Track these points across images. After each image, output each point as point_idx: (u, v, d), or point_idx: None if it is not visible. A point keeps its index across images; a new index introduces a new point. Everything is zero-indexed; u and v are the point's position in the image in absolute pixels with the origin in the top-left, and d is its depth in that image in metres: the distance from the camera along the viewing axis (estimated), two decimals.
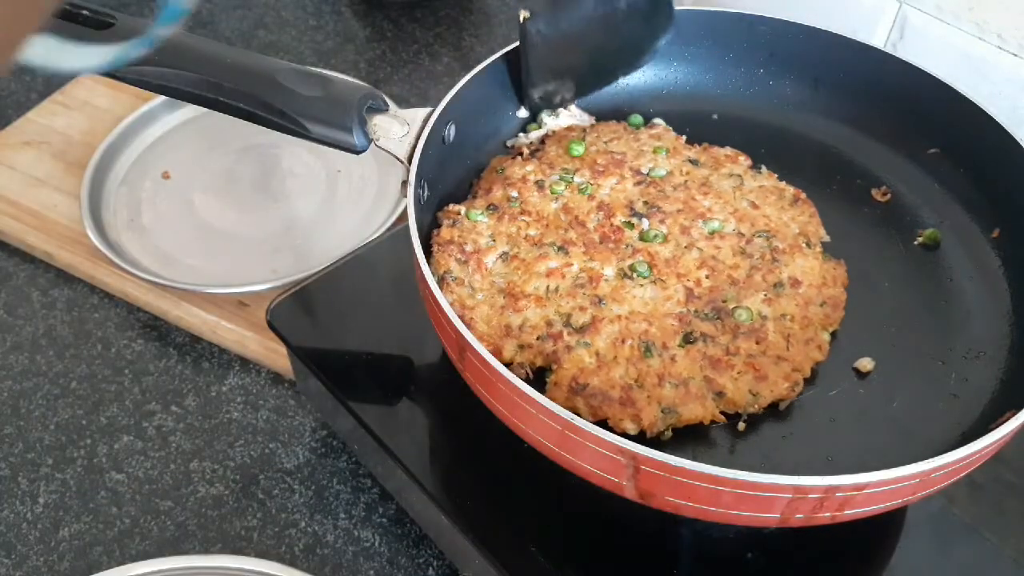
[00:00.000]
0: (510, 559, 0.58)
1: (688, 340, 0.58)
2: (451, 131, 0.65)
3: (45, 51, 0.33)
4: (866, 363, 0.60)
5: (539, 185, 0.66)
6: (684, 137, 0.73)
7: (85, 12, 0.62)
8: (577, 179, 0.66)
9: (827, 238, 0.66)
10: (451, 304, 0.55)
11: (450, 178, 0.68)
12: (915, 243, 0.68)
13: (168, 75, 0.62)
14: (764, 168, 0.71)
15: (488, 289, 0.60)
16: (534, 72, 0.69)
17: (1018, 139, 0.63)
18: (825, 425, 0.57)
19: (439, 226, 0.64)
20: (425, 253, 0.58)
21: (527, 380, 0.55)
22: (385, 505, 0.73)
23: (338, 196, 0.93)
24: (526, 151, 0.70)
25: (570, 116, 0.73)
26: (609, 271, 0.61)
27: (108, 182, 0.94)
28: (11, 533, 0.71)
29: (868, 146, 0.73)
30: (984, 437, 0.48)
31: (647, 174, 0.68)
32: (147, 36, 0.36)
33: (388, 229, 0.87)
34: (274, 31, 1.18)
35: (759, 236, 0.64)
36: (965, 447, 0.48)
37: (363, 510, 0.73)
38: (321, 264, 0.74)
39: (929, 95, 0.69)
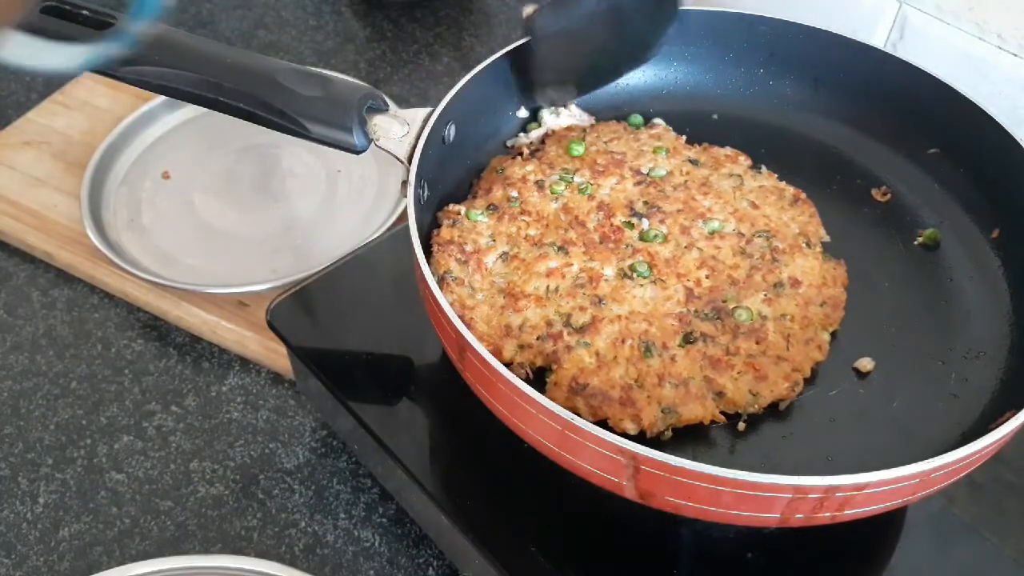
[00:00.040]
0: (510, 559, 0.58)
1: (688, 340, 0.58)
2: (451, 131, 0.65)
3: (23, 49, 0.33)
4: (866, 363, 0.60)
5: (539, 185, 0.66)
6: (684, 137, 0.73)
7: (85, 12, 0.62)
8: (577, 179, 0.66)
9: (827, 238, 0.66)
10: (451, 304, 0.55)
11: (450, 178, 0.68)
12: (915, 243, 0.68)
13: (168, 75, 0.62)
14: (764, 168, 0.71)
15: (488, 289, 0.60)
16: (540, 68, 0.69)
17: (1018, 139, 0.63)
18: (825, 425, 0.57)
19: (439, 226, 0.64)
20: (425, 253, 0.58)
21: (527, 380, 0.55)
22: (385, 505, 0.73)
23: (338, 196, 0.93)
24: (526, 151, 0.70)
25: (570, 116, 0.74)
26: (609, 271, 0.61)
27: (108, 182, 0.94)
28: (11, 533, 0.71)
29: (868, 146, 0.73)
30: (984, 437, 0.48)
31: (647, 174, 0.68)
32: (124, 34, 0.36)
33: (388, 229, 0.87)
34: (274, 31, 1.18)
35: (759, 236, 0.64)
36: (965, 447, 0.48)
37: (363, 510, 0.73)
38: (321, 264, 0.74)
39: (929, 95, 0.69)
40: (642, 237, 0.63)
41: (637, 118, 0.75)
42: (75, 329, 0.85)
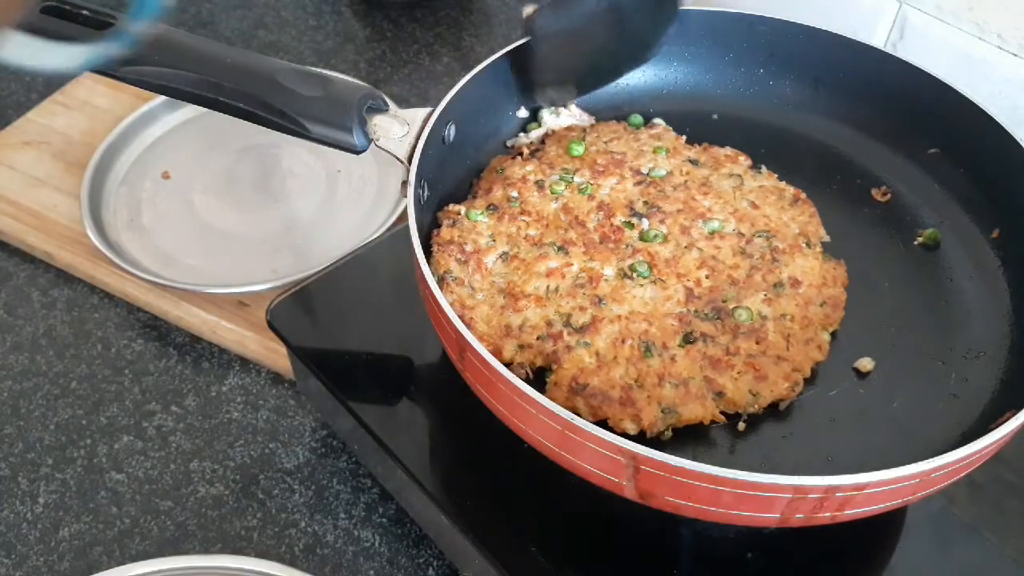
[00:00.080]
0: (510, 559, 0.58)
1: (688, 340, 0.58)
2: (451, 131, 0.65)
3: (23, 49, 0.33)
4: (866, 363, 0.60)
5: (539, 185, 0.66)
6: (684, 137, 0.73)
7: (85, 12, 0.62)
8: (577, 179, 0.67)
9: (827, 238, 0.66)
10: (451, 304, 0.55)
11: (450, 178, 0.68)
12: (915, 243, 0.68)
13: (168, 75, 0.62)
14: (764, 168, 0.71)
15: (488, 289, 0.60)
16: (540, 68, 0.69)
17: (1018, 139, 0.63)
18: (825, 425, 0.57)
19: (439, 226, 0.64)
20: (425, 253, 0.58)
21: (527, 380, 0.55)
22: (385, 505, 0.73)
23: (338, 196, 0.93)
24: (526, 151, 0.70)
25: (570, 116, 0.74)
26: (609, 271, 0.61)
27: (108, 182, 0.94)
28: (11, 533, 0.71)
29: (868, 146, 0.73)
30: (984, 437, 0.48)
31: (647, 174, 0.68)
32: (124, 34, 0.36)
33: (388, 229, 0.87)
34: (274, 31, 1.18)
35: (759, 236, 0.64)
36: (965, 447, 0.48)
37: (363, 510, 0.73)
38: (321, 264, 0.74)
39: (929, 95, 0.69)
40: (642, 237, 0.63)
41: (637, 118, 0.75)
42: (75, 329, 0.85)
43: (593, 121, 0.74)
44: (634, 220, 0.64)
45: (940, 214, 0.69)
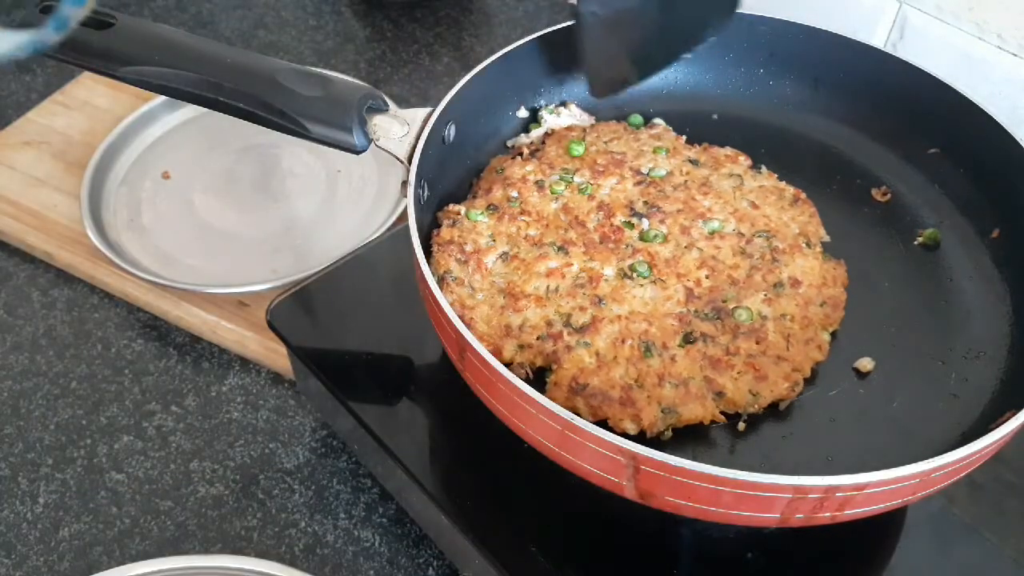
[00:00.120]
0: (510, 559, 0.58)
1: (688, 340, 0.58)
2: (451, 131, 0.65)
3: None
4: (866, 363, 0.60)
5: (539, 185, 0.66)
6: (684, 137, 0.73)
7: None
8: (577, 179, 0.66)
9: (827, 238, 0.66)
10: (451, 304, 0.55)
11: (450, 178, 0.68)
12: (915, 243, 0.68)
13: (168, 75, 0.62)
14: (764, 168, 0.71)
15: (488, 289, 0.60)
16: (592, 56, 0.67)
17: (1018, 139, 0.63)
18: (825, 425, 0.57)
19: (439, 226, 0.64)
20: (425, 253, 0.58)
21: (527, 380, 0.55)
22: (385, 505, 0.73)
23: (338, 196, 0.93)
24: (526, 151, 0.70)
25: (570, 116, 0.74)
26: (609, 271, 0.61)
27: (108, 182, 0.94)
28: (11, 533, 0.71)
29: (868, 146, 0.73)
30: (984, 437, 0.48)
31: (647, 174, 0.68)
32: (58, 19, 0.37)
33: (388, 229, 0.87)
34: (274, 31, 1.18)
35: (759, 236, 0.64)
36: (965, 447, 0.48)
37: (363, 510, 0.73)
38: (321, 264, 0.74)
39: (929, 95, 0.69)
40: (642, 237, 0.63)
41: (637, 118, 0.75)
42: (75, 329, 0.85)
43: (593, 121, 0.74)
44: (634, 220, 0.64)
45: (940, 214, 0.69)
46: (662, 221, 0.64)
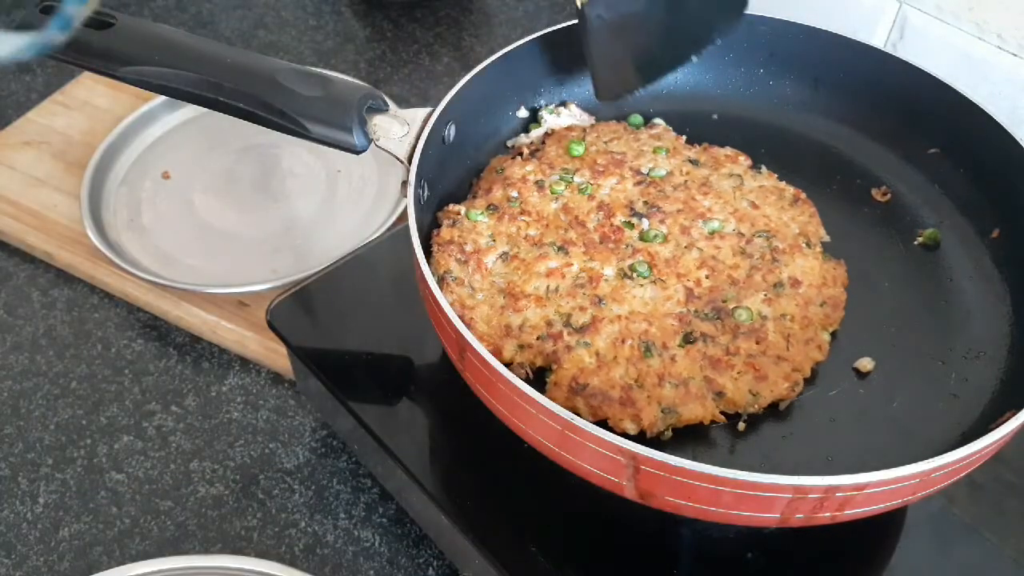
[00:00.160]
0: (510, 559, 0.58)
1: (688, 340, 0.58)
2: (451, 131, 0.65)
3: None
4: (866, 363, 0.60)
5: (539, 185, 0.66)
6: (684, 137, 0.73)
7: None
8: (577, 179, 0.66)
9: (827, 238, 0.66)
10: (451, 304, 0.55)
11: (450, 178, 0.68)
12: (915, 243, 0.68)
13: (168, 75, 0.62)
14: (764, 168, 0.71)
15: (488, 289, 0.60)
16: (598, 61, 0.67)
17: (1018, 139, 0.63)
18: (825, 425, 0.57)
19: (439, 226, 0.64)
20: (425, 253, 0.58)
21: (527, 380, 0.55)
22: (385, 505, 0.73)
23: (338, 196, 0.93)
24: (526, 151, 0.70)
25: (570, 116, 0.73)
26: (609, 271, 0.61)
27: (108, 182, 0.94)
28: (11, 533, 0.71)
29: (868, 146, 0.73)
30: (984, 437, 0.48)
31: (647, 174, 0.68)
32: (61, 19, 0.37)
33: (388, 229, 0.87)
34: (274, 31, 1.18)
35: (759, 236, 0.64)
36: (965, 447, 0.48)
37: (363, 510, 0.73)
38: (321, 264, 0.74)
39: (929, 95, 0.69)
40: (642, 237, 0.63)
41: (637, 118, 0.75)
42: (75, 329, 0.85)
43: (593, 121, 0.74)
44: (634, 220, 0.64)
45: (940, 214, 0.69)
46: (662, 221, 0.64)
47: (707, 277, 0.61)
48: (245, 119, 0.63)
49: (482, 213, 0.64)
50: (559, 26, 0.70)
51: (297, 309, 0.71)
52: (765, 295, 0.60)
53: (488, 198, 0.65)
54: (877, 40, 0.92)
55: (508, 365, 0.56)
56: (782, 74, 0.76)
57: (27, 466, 0.75)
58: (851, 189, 0.71)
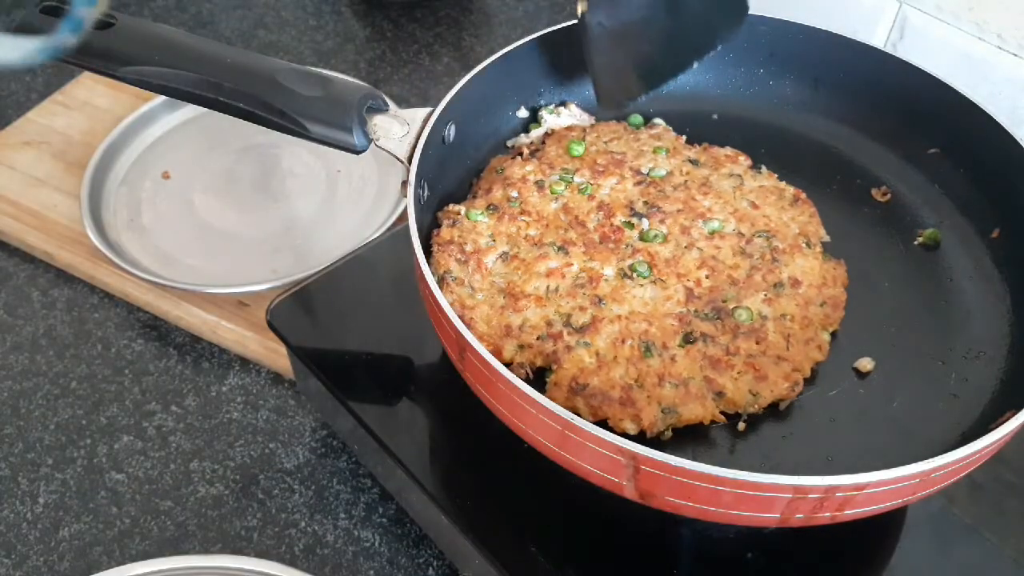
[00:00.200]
0: (510, 559, 0.58)
1: (688, 340, 0.58)
2: (451, 131, 0.65)
3: None
4: (866, 363, 0.60)
5: (539, 185, 0.66)
6: (684, 137, 0.73)
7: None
8: (577, 179, 0.66)
9: (827, 238, 0.66)
10: (451, 304, 0.55)
11: (450, 178, 0.68)
12: (915, 243, 0.68)
13: (168, 75, 0.62)
14: (764, 168, 0.71)
15: (488, 289, 0.60)
16: (600, 68, 0.67)
17: (1018, 139, 0.63)
18: (825, 425, 0.57)
19: (439, 226, 0.64)
20: (425, 253, 0.58)
21: (527, 380, 0.55)
22: (385, 505, 0.73)
23: (338, 196, 0.93)
24: (526, 151, 0.70)
25: (570, 116, 0.73)
26: (609, 271, 0.61)
27: (108, 182, 0.94)
28: (11, 533, 0.71)
29: (868, 146, 0.73)
30: (984, 437, 0.48)
31: (647, 174, 0.68)
32: (72, 22, 0.37)
33: (388, 229, 0.87)
34: (274, 31, 1.18)
35: (759, 236, 0.64)
36: (965, 447, 0.48)
37: (363, 510, 0.73)
38: (321, 264, 0.74)
39: (929, 95, 0.69)
40: (642, 237, 0.63)
41: (637, 118, 0.74)
42: (75, 329, 0.85)
43: (593, 121, 0.74)
44: (634, 220, 0.64)
45: (940, 214, 0.69)
46: (662, 221, 0.64)
47: (707, 277, 0.61)
48: (245, 119, 0.63)
49: (482, 213, 0.64)
50: (559, 26, 0.70)
51: (297, 309, 0.71)
52: (765, 295, 0.60)
53: (488, 198, 0.65)
54: (877, 40, 0.92)
55: (508, 365, 0.56)
56: (782, 74, 0.76)
57: (27, 466, 0.75)
58: (851, 189, 0.71)
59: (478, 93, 0.67)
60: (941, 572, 0.59)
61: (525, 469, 0.58)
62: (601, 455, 0.49)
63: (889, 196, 0.71)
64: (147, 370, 0.82)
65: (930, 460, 0.47)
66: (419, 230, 0.57)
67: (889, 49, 0.76)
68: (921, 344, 0.61)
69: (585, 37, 0.66)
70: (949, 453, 0.47)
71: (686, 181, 0.68)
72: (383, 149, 0.61)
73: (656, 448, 0.46)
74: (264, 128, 0.63)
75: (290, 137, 0.62)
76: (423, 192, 0.61)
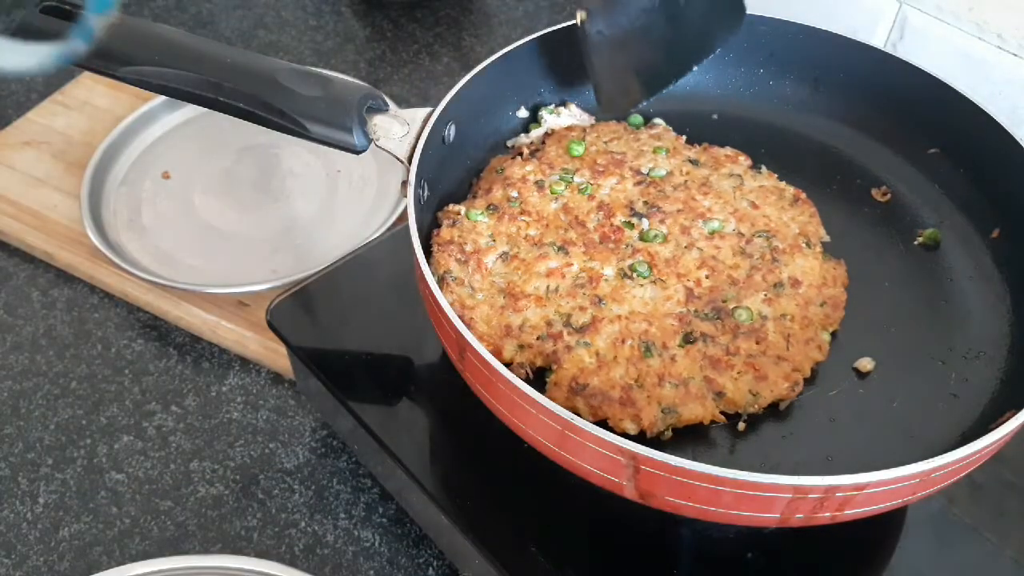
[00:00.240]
0: (510, 559, 0.58)
1: (688, 340, 0.58)
2: (451, 131, 0.65)
3: None
4: (866, 363, 0.60)
5: (539, 185, 0.66)
6: (684, 137, 0.73)
7: (83, 12, 0.62)
8: (577, 179, 0.66)
9: (827, 238, 0.66)
10: (451, 304, 0.55)
11: (450, 178, 0.68)
12: (915, 243, 0.68)
13: (168, 75, 0.62)
14: (764, 168, 0.71)
15: (488, 289, 0.60)
16: (601, 75, 0.67)
17: (1018, 139, 0.63)
18: (825, 425, 0.57)
19: (439, 226, 0.64)
20: (425, 253, 0.58)
21: (527, 380, 0.55)
22: (385, 505, 0.73)
23: (338, 196, 0.93)
24: (526, 151, 0.70)
25: (570, 116, 0.73)
26: (609, 271, 0.61)
27: (108, 182, 0.94)
28: (11, 533, 0.71)
29: (868, 146, 0.73)
30: (984, 437, 0.48)
31: (647, 174, 0.68)
32: (83, 29, 0.37)
33: (388, 229, 0.87)
34: (274, 31, 1.18)
35: (759, 236, 0.64)
36: (965, 447, 0.48)
37: (363, 510, 0.73)
38: (321, 264, 0.74)
39: (929, 95, 0.69)
40: (642, 237, 0.63)
41: (637, 118, 0.74)
42: (75, 329, 0.85)
43: (593, 121, 0.74)
44: (634, 220, 0.64)
45: (940, 214, 0.69)
46: (662, 221, 0.64)
47: (707, 277, 0.61)
48: (245, 119, 0.63)
49: (482, 213, 0.64)
50: (559, 26, 0.70)
51: (297, 309, 0.71)
52: (765, 295, 0.60)
53: (488, 198, 0.65)
54: (877, 40, 0.92)
55: (508, 365, 0.56)
56: (782, 74, 0.76)
57: (27, 466, 0.75)
58: (851, 189, 0.71)
59: (478, 93, 0.67)
60: (941, 572, 0.59)
61: (525, 469, 0.58)
62: (601, 455, 0.49)
63: (889, 196, 0.71)
64: (147, 370, 0.82)
65: (930, 460, 0.47)
66: (419, 230, 0.57)
67: (889, 49, 0.76)
68: (921, 344, 0.61)
69: (585, 45, 0.66)
70: (949, 453, 0.47)
71: (686, 181, 0.68)
72: (383, 149, 0.61)
73: (656, 448, 0.46)
74: (264, 128, 0.63)
75: (290, 137, 0.62)
76: (423, 192, 0.61)
